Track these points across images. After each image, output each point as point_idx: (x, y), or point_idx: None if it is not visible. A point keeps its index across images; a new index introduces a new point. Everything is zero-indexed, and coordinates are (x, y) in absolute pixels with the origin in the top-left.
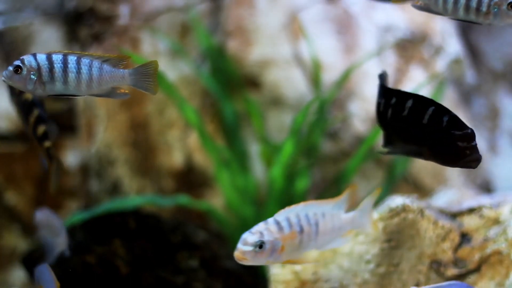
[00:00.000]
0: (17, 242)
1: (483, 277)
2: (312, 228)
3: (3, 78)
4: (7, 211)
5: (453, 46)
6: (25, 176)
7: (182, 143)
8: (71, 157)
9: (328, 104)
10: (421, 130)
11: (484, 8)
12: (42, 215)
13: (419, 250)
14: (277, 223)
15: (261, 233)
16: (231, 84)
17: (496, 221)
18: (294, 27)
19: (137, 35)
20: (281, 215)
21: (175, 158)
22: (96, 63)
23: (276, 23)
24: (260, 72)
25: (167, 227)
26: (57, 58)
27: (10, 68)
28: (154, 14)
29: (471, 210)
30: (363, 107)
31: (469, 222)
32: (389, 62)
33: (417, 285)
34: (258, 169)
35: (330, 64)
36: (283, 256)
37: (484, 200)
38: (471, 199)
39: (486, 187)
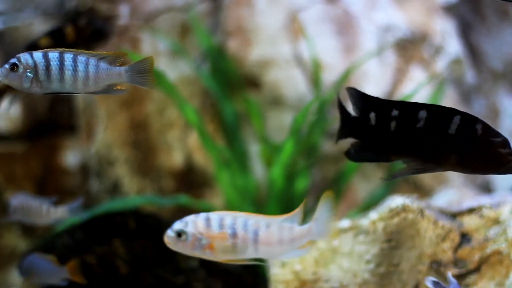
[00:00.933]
0: (17, 242)
1: (483, 277)
2: (249, 235)
3: None
4: (7, 211)
5: (453, 46)
6: (25, 176)
7: (182, 143)
8: (71, 157)
9: (328, 104)
10: (447, 141)
11: None
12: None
13: (419, 250)
14: (207, 219)
15: (186, 224)
16: (231, 84)
17: (496, 221)
18: (294, 27)
19: (137, 35)
20: (216, 214)
21: (175, 158)
22: (92, 61)
23: (276, 23)
24: (260, 72)
25: (167, 227)
26: (53, 56)
27: (6, 66)
28: (154, 14)
29: (471, 210)
30: None
31: (469, 222)
32: (389, 62)
33: (416, 286)
34: (258, 169)
35: (330, 64)
36: (215, 255)
37: (484, 200)
38: (471, 199)
39: (486, 187)
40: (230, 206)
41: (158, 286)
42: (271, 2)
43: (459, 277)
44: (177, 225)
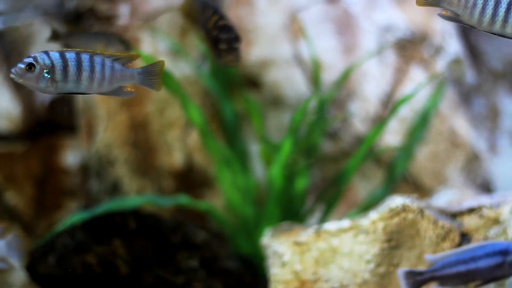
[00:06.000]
0: None
1: None
2: None
3: (13, 75)
4: (7, 211)
5: (453, 46)
6: (25, 176)
7: (182, 143)
8: (71, 157)
9: (328, 104)
10: None
11: None
12: None
13: (419, 250)
14: None
15: None
16: (231, 84)
17: (496, 221)
18: (294, 27)
19: (137, 35)
20: None
21: (175, 158)
22: (108, 62)
23: (276, 23)
24: (260, 72)
25: (167, 227)
26: (70, 56)
27: (22, 65)
28: (154, 14)
29: (471, 210)
30: (363, 107)
31: (469, 222)
32: (389, 62)
33: None
34: (258, 169)
35: (330, 64)
36: None
37: (484, 200)
38: (471, 199)
39: (486, 187)
40: (230, 206)
41: (158, 286)
42: (271, 2)
43: None
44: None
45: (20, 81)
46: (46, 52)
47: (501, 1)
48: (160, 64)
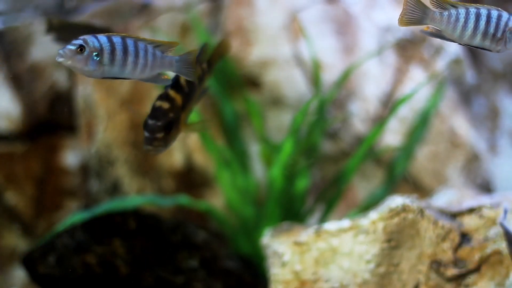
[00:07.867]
0: (17, 242)
1: (483, 277)
2: None
3: (60, 57)
4: (7, 211)
5: (453, 46)
6: (25, 176)
7: (182, 143)
8: (71, 157)
9: (328, 104)
10: None
11: (499, 34)
12: None
13: (419, 250)
14: None
15: None
16: (231, 84)
17: (496, 221)
18: (294, 27)
19: (137, 35)
20: None
21: (175, 158)
22: (150, 48)
23: (276, 23)
24: (260, 72)
25: (167, 227)
26: (117, 40)
27: (71, 47)
28: (154, 14)
29: (471, 210)
30: (363, 107)
31: (469, 222)
32: (389, 62)
33: (416, 286)
34: (258, 169)
35: (330, 64)
36: None
37: (484, 200)
38: (471, 199)
39: (486, 187)
40: (230, 206)
41: (158, 286)
42: (271, 2)
43: (459, 277)
44: None
45: (68, 63)
46: (95, 36)
47: (481, 14)
48: (193, 53)
